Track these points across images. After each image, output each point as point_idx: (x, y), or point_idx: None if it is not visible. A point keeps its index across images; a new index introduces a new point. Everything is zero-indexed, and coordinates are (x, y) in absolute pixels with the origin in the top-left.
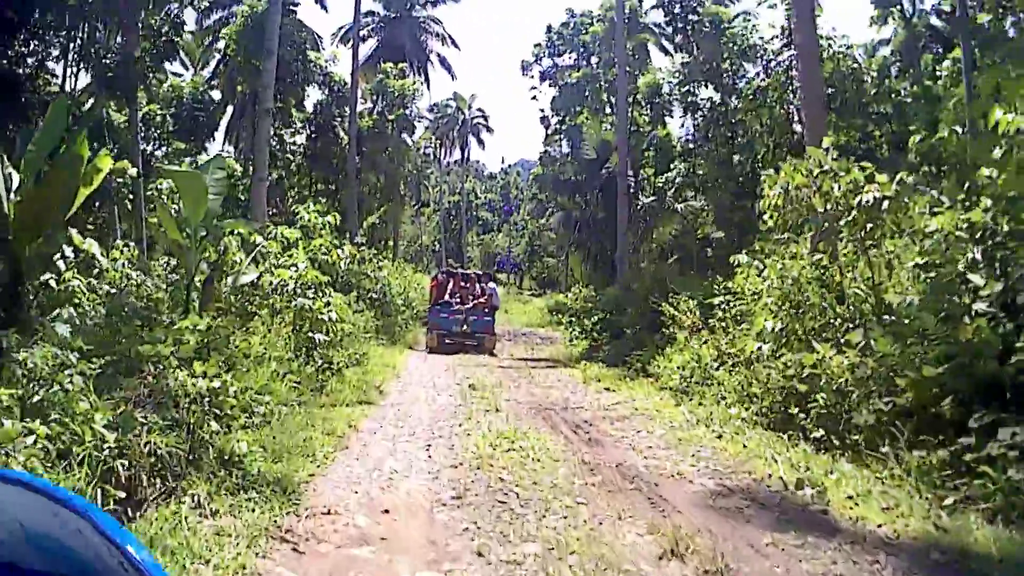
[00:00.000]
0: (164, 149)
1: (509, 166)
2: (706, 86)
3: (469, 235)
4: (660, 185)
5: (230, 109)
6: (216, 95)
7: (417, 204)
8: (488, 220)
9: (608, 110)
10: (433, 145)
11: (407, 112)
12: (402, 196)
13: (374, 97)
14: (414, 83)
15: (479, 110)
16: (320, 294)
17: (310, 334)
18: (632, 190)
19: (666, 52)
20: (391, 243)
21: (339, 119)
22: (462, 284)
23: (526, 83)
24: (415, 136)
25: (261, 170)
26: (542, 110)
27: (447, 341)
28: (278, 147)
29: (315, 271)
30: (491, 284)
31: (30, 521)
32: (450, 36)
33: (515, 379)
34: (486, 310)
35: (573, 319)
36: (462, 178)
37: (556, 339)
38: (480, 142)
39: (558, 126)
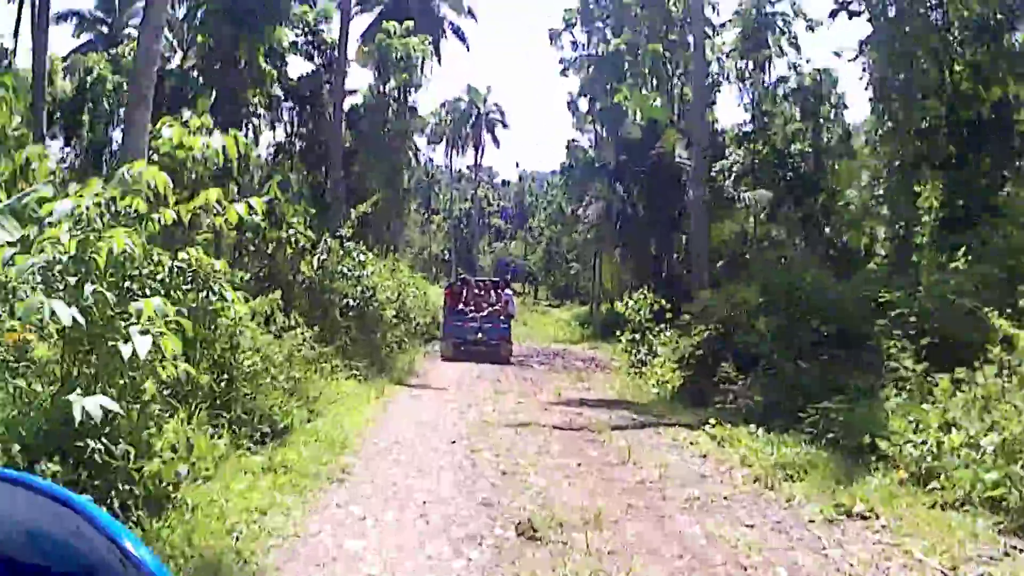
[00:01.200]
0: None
1: (524, 172)
2: None
3: (481, 244)
4: (712, 175)
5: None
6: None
7: (426, 212)
8: (501, 228)
9: (652, 85)
10: (444, 135)
11: (411, 80)
12: (406, 190)
13: (374, 70)
14: (422, 42)
15: (495, 104)
16: (143, 287)
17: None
18: (682, 180)
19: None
20: (390, 245)
21: (329, 87)
22: (476, 292)
23: (541, 89)
24: (424, 125)
25: (141, 84)
26: (570, 93)
27: (462, 349)
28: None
29: (130, 232)
30: (507, 291)
31: (29, 519)
32: (467, 7)
33: (612, 480)
34: (502, 318)
35: (637, 336)
36: (474, 184)
37: (602, 361)
38: (495, 140)
39: (590, 105)
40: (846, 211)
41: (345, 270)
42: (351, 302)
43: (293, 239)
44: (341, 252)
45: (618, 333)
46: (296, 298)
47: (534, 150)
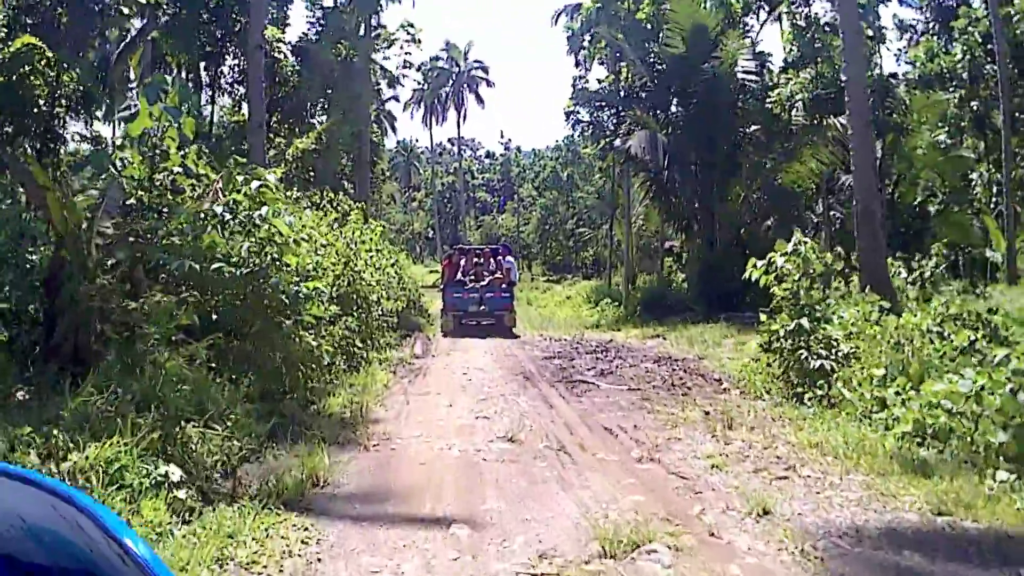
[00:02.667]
0: None
1: (509, 142)
2: None
3: (467, 219)
4: (768, 106)
5: None
6: None
7: (407, 189)
8: (487, 201)
9: None
10: (421, 99)
11: None
12: (374, 142)
13: None
14: None
15: (476, 61)
16: None
17: None
18: (738, 109)
19: None
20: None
21: None
22: (476, 261)
23: (528, 51)
24: (389, 43)
25: None
26: (569, 28)
27: (463, 322)
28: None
29: None
30: (508, 259)
31: (30, 515)
32: None
33: None
34: (503, 286)
35: (805, 322)
36: (456, 155)
37: (689, 363)
38: (479, 100)
39: (593, 39)
40: (915, 155)
41: (224, 212)
42: (231, 273)
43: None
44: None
45: (763, 317)
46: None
47: (520, 122)
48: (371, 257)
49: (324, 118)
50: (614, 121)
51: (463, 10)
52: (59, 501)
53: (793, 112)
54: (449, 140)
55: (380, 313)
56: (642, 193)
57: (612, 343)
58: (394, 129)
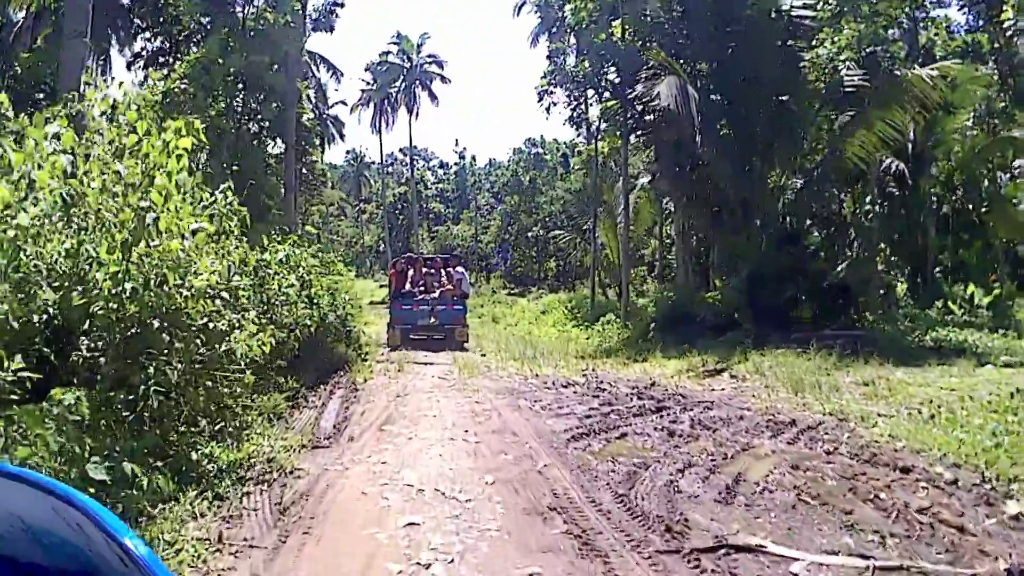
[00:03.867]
0: None
1: (464, 150)
2: None
3: (420, 231)
4: (801, 66)
5: None
6: None
7: (357, 201)
8: (441, 212)
9: None
10: (370, 99)
11: None
12: (305, 127)
13: None
14: None
15: (430, 55)
16: None
17: None
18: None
19: None
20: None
21: None
22: (425, 271)
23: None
24: None
25: None
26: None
27: (412, 336)
28: None
29: None
30: (459, 269)
31: (30, 516)
32: None
33: None
34: (455, 298)
35: None
36: (408, 160)
37: (822, 424)
38: (433, 97)
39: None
40: (950, 138)
41: None
42: None
43: None
44: None
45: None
46: None
47: (474, 134)
48: (196, 219)
49: (261, 98)
50: (617, 80)
51: (412, 13)
52: (59, 502)
53: (845, 72)
54: (401, 150)
55: (209, 354)
56: (646, 177)
57: (657, 388)
58: (342, 136)
